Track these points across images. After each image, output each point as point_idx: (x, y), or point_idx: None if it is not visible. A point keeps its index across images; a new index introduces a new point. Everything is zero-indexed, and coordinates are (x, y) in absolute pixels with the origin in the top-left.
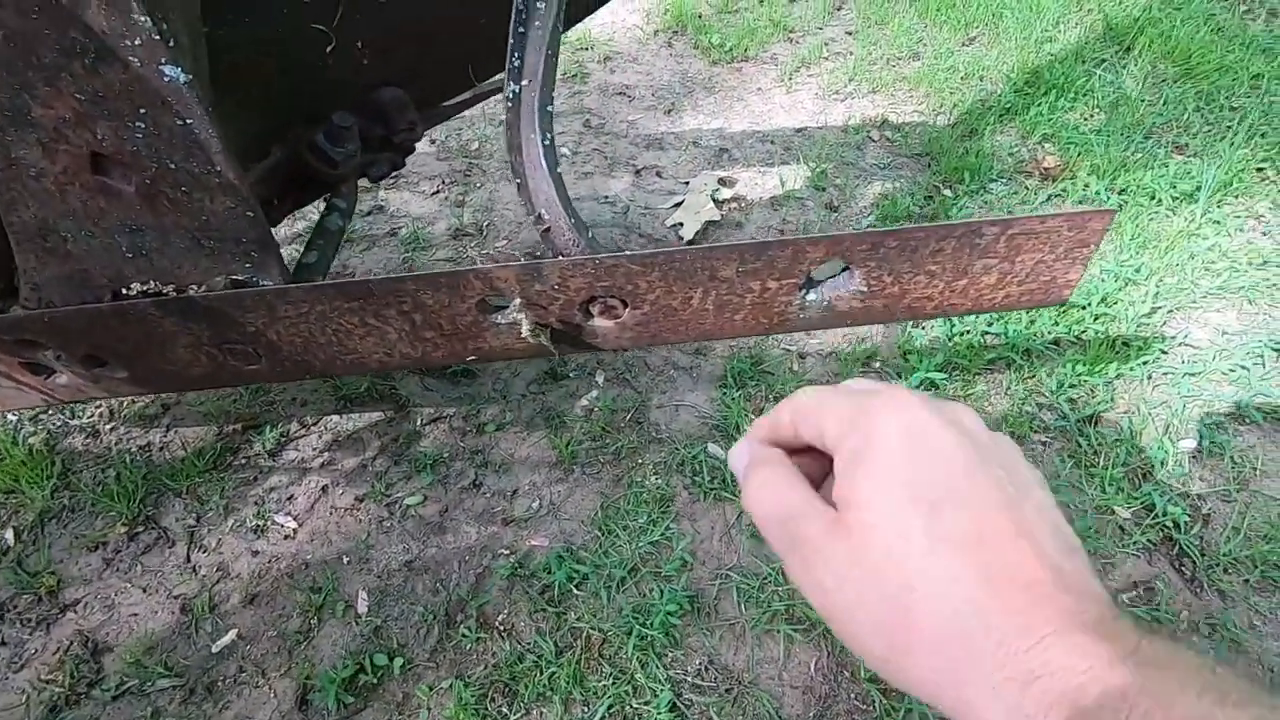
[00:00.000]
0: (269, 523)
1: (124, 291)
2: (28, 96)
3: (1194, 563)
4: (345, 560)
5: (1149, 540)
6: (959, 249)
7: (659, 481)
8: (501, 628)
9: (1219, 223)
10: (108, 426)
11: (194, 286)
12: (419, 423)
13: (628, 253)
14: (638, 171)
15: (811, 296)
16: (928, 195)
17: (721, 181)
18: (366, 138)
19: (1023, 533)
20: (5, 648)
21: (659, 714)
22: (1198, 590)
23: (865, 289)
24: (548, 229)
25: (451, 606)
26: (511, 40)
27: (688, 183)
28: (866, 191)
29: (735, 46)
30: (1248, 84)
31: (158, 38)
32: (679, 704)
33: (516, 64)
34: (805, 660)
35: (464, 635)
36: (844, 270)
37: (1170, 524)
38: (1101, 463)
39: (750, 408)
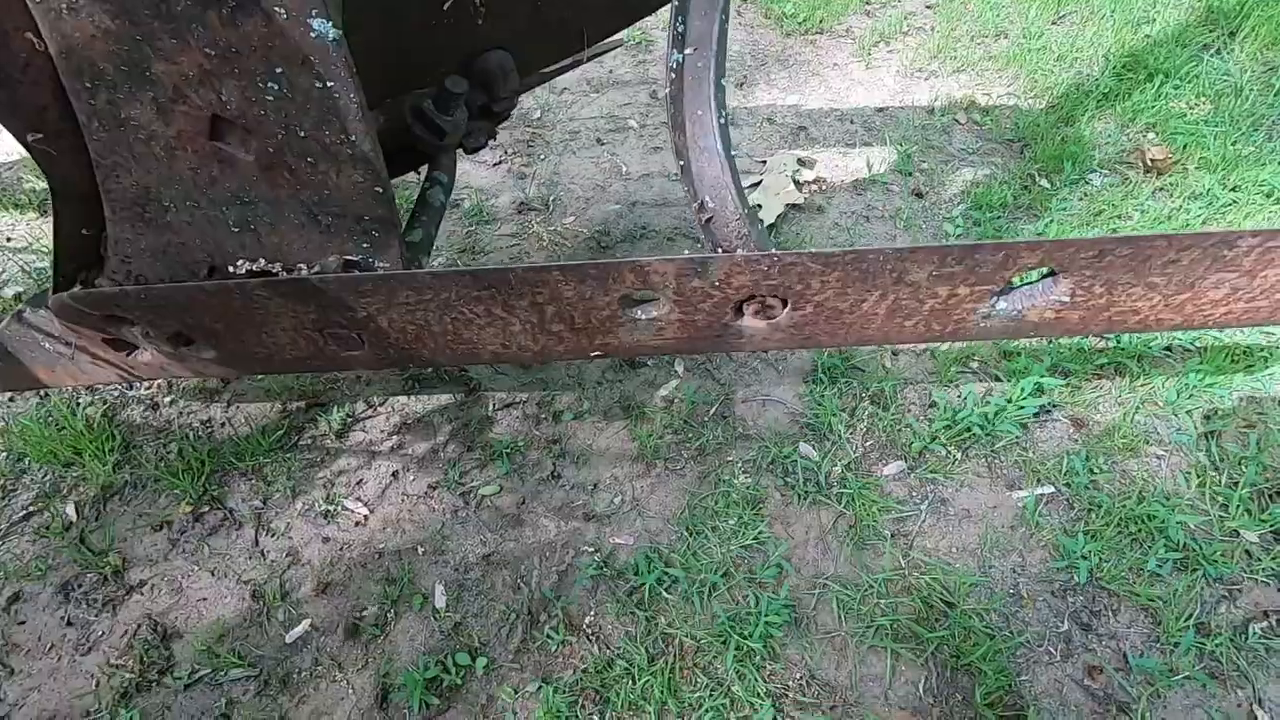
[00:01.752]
0: (339, 508)
1: (227, 268)
2: (149, 49)
3: None
4: (420, 550)
5: (1278, 567)
6: (1199, 260)
7: (748, 481)
8: (589, 630)
9: None
10: (167, 399)
11: (303, 265)
12: (491, 408)
13: (810, 250)
14: None
15: (1002, 305)
16: (1023, 184)
17: (801, 162)
18: (468, 105)
19: None
20: (72, 628)
21: None
22: None
23: (1068, 299)
24: (710, 218)
25: (534, 605)
26: (675, 3)
27: (765, 161)
28: (956, 178)
29: (809, 18)
30: None
31: None
32: (781, 718)
33: (680, 29)
34: (912, 679)
35: (549, 636)
36: (1046, 277)
37: None
38: (1225, 481)
39: (842, 405)
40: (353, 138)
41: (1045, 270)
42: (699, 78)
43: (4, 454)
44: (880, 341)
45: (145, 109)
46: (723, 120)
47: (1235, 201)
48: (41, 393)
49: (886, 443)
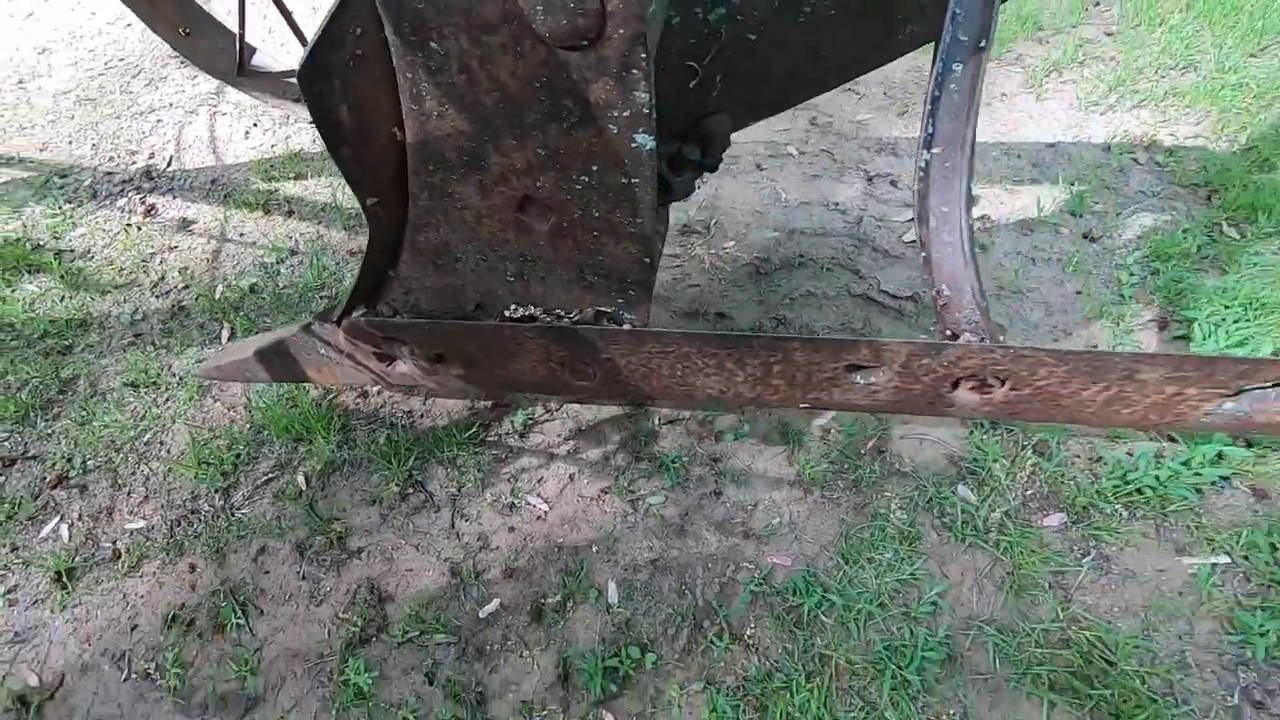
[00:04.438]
0: (522, 502)
1: (494, 308)
2: (491, 146)
3: None
4: (594, 549)
5: None
6: None
7: (904, 518)
8: (750, 642)
9: None
10: (374, 389)
11: (560, 311)
12: (656, 422)
13: (1046, 348)
14: (870, 178)
15: (1229, 405)
16: (1209, 234)
17: None
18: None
19: None
20: (306, 582)
21: None
22: None
23: None
24: (945, 304)
25: (699, 612)
26: (928, 105)
27: None
28: (1131, 222)
29: None
30: None
31: (646, 111)
32: None
33: (930, 131)
34: None
35: (713, 643)
36: (1277, 385)
37: None
38: None
39: (1004, 451)
40: (639, 219)
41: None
42: (946, 176)
43: (247, 426)
44: (1089, 424)
45: (469, 187)
46: (966, 222)
47: None
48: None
49: (1048, 494)
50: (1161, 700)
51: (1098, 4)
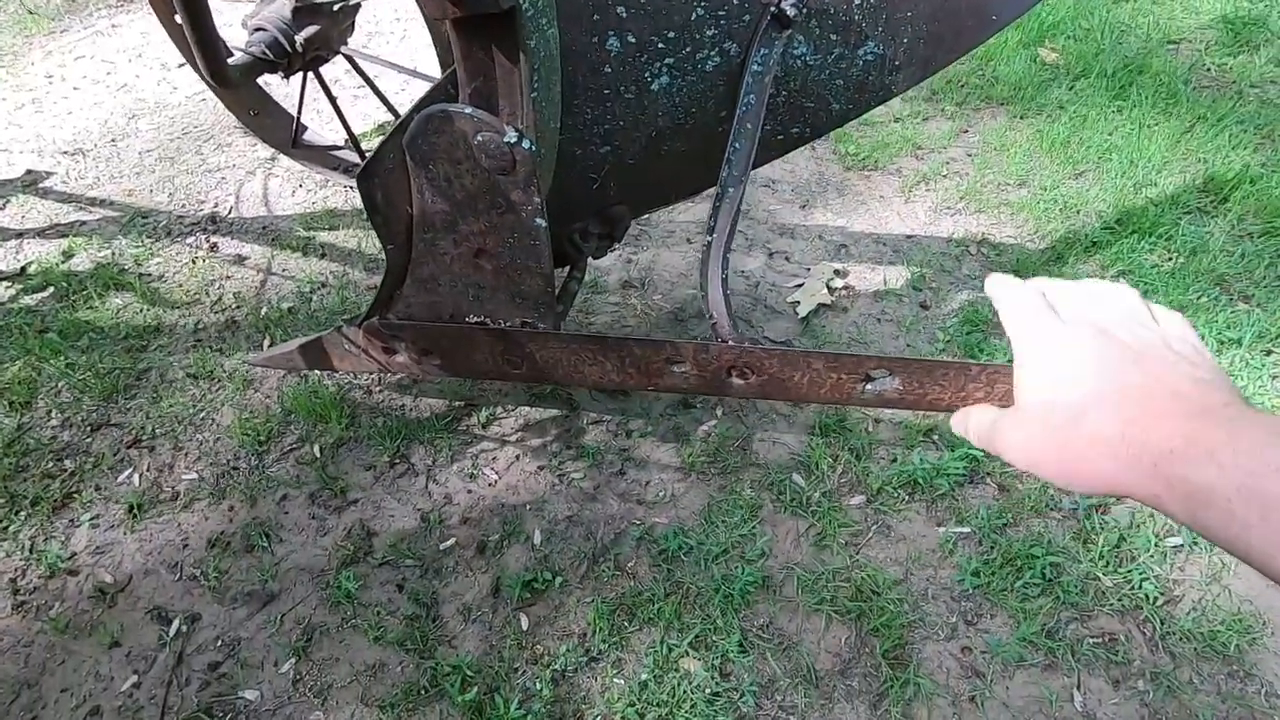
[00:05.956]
0: (480, 472)
1: (461, 317)
2: (460, 220)
3: (1155, 628)
4: (528, 507)
5: (1123, 605)
6: (956, 377)
7: (752, 494)
8: (630, 572)
9: (1258, 368)
10: (377, 389)
11: (501, 320)
12: (584, 422)
13: (762, 346)
14: (770, 254)
15: (869, 387)
16: None
17: (837, 272)
18: (598, 236)
19: (1138, 364)
20: (314, 520)
21: (730, 647)
22: (1153, 648)
23: (902, 388)
24: (715, 323)
25: (597, 551)
26: (713, 206)
27: (809, 269)
28: (957, 297)
29: (868, 157)
30: None
31: (540, 204)
32: (745, 644)
33: (713, 223)
34: (839, 635)
35: (604, 571)
36: (890, 375)
37: (1143, 596)
38: (1099, 543)
39: (829, 452)
40: (542, 265)
41: (887, 371)
42: (716, 251)
43: (279, 409)
44: (805, 400)
45: (447, 242)
46: (724, 276)
47: None
48: (311, 375)
49: (855, 481)
50: (907, 617)
51: (965, 132)
